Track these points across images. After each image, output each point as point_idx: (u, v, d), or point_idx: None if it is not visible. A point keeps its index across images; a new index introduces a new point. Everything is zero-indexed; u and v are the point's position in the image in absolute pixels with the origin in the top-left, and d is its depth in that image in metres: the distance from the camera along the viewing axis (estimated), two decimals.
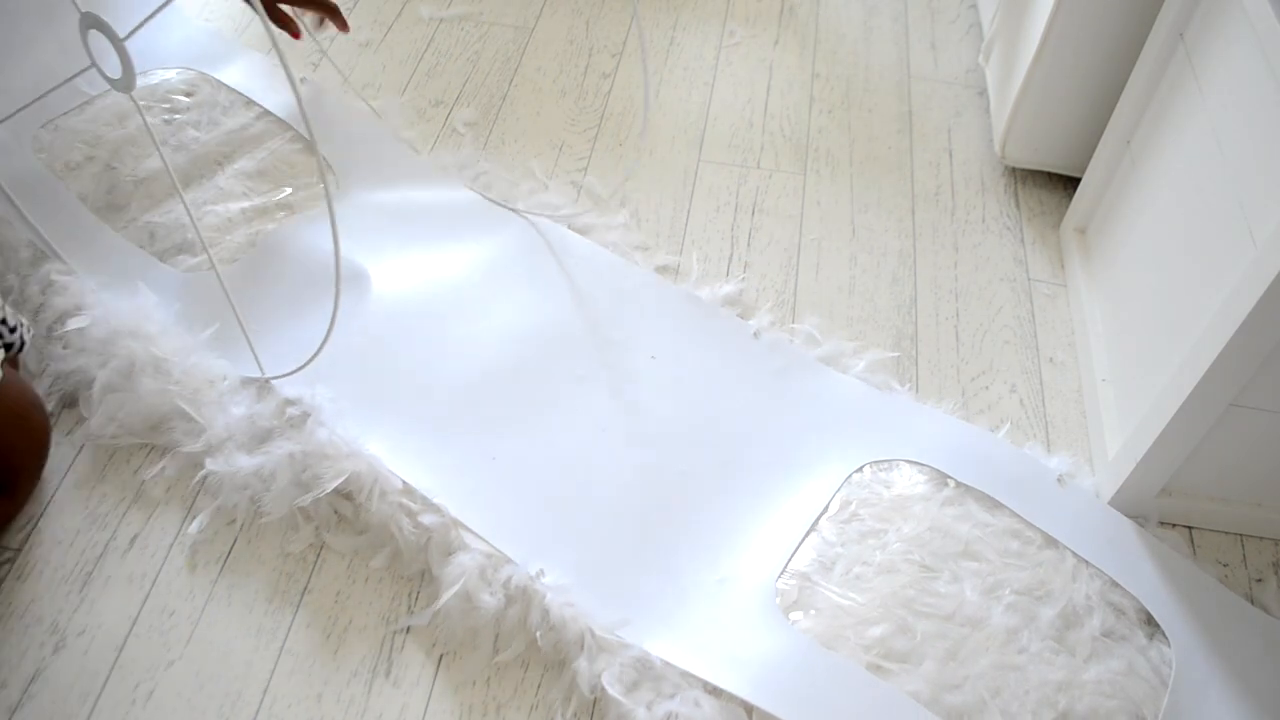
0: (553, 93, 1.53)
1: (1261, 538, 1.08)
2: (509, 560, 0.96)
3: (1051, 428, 1.16)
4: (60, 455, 1.04)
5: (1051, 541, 1.03)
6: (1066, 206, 1.37)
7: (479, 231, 1.30)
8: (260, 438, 1.03)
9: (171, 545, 0.99)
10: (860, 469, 1.08)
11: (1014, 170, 1.46)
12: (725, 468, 1.08)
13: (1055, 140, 1.37)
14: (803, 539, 1.02)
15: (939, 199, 1.42)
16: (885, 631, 0.96)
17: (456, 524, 0.98)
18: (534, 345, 1.17)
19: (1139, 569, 1.02)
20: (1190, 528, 1.08)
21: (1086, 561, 1.02)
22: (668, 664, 0.91)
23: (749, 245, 1.34)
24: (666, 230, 1.34)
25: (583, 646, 0.91)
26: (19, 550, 0.98)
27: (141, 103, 1.16)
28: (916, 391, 1.18)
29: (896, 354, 1.21)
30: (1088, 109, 1.32)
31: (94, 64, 0.93)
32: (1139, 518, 1.07)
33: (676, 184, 1.41)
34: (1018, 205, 1.42)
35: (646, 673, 0.90)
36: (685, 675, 0.90)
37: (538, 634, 0.92)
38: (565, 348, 1.17)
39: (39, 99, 1.19)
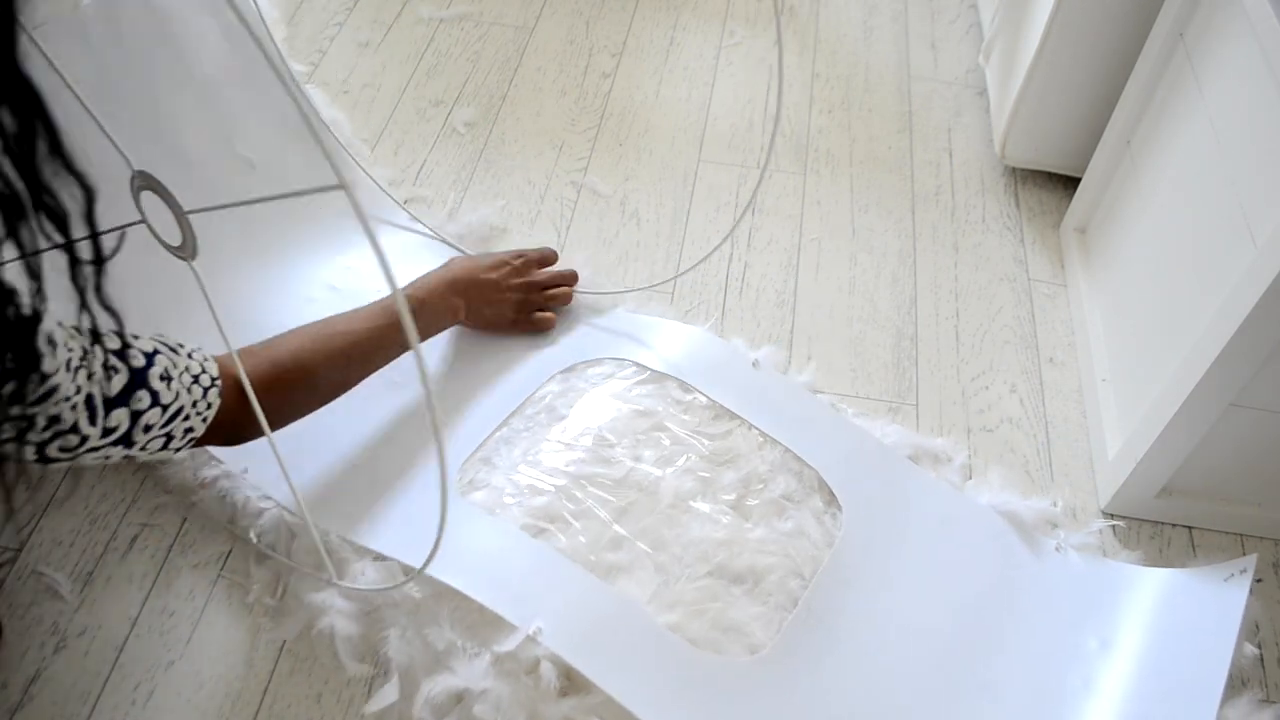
0: (553, 93, 1.54)
1: (1261, 538, 1.08)
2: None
3: (1051, 427, 1.16)
4: None
5: (740, 419, 1.08)
6: (1066, 206, 1.37)
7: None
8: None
9: (171, 545, 0.99)
10: (570, 368, 1.12)
11: (1014, 170, 1.46)
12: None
13: (1055, 140, 1.37)
14: (493, 432, 1.05)
15: (939, 199, 1.42)
16: (550, 499, 0.98)
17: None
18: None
19: (823, 443, 1.07)
20: (1190, 528, 1.08)
21: (773, 439, 1.06)
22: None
23: (749, 245, 1.34)
24: (666, 230, 1.35)
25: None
26: (19, 550, 0.98)
27: None
28: (916, 387, 1.18)
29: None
30: (1088, 109, 1.32)
31: (150, 228, 0.81)
32: (1137, 519, 1.08)
33: (676, 184, 1.41)
34: (1018, 205, 1.42)
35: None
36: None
37: None
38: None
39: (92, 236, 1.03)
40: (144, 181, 0.81)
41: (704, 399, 1.10)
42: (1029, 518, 1.04)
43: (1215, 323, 0.90)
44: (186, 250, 0.81)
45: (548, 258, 1.20)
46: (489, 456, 1.04)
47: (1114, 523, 1.06)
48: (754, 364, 1.14)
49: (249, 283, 1.17)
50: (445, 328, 1.10)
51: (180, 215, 0.78)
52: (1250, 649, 0.94)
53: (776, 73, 1.15)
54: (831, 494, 1.03)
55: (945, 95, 1.59)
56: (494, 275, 1.12)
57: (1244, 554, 1.06)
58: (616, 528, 0.98)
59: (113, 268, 0.63)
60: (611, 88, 1.55)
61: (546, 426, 1.06)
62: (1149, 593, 0.98)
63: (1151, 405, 1.00)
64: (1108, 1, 1.22)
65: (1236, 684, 0.93)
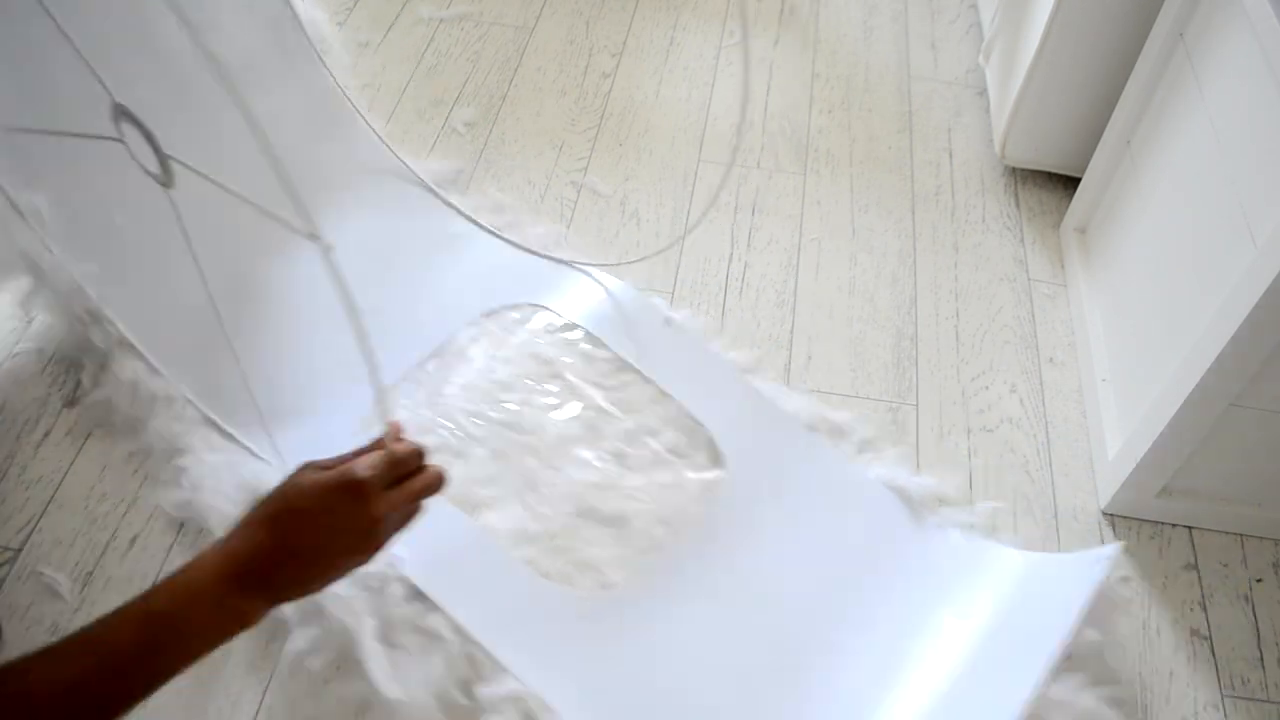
0: (553, 93, 1.54)
1: (1262, 538, 1.08)
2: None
3: (1051, 427, 1.16)
4: (60, 455, 1.04)
5: (642, 375, 1.11)
6: (1066, 206, 1.37)
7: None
8: None
9: (171, 546, 0.99)
10: (493, 312, 1.16)
11: (1014, 170, 1.46)
12: None
13: (1055, 140, 1.37)
14: (407, 373, 1.09)
15: (939, 199, 1.42)
16: (438, 440, 1.03)
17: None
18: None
19: (719, 404, 1.09)
20: (1190, 528, 1.08)
21: (669, 395, 1.09)
22: None
23: (749, 245, 1.34)
24: (666, 230, 1.35)
25: None
26: (19, 550, 0.98)
27: None
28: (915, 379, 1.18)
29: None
30: (1088, 109, 1.32)
31: (130, 151, 0.80)
32: (1137, 519, 1.08)
33: (676, 184, 1.41)
34: (1018, 205, 1.42)
35: None
36: None
37: None
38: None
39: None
40: (123, 113, 0.80)
41: (608, 352, 1.12)
42: (916, 494, 1.06)
43: (1215, 323, 0.90)
44: (164, 179, 0.81)
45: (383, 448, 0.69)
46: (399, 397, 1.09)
47: (996, 504, 1.07)
48: (666, 321, 1.17)
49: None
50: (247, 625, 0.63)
51: (159, 151, 0.79)
52: (1093, 634, 0.92)
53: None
54: (718, 453, 1.05)
55: (945, 95, 1.59)
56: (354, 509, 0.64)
57: (1244, 554, 1.06)
58: (493, 465, 1.01)
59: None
60: (611, 88, 1.55)
61: (454, 368, 1.10)
62: (1012, 573, 0.99)
63: (1151, 405, 1.00)
64: (1108, 1, 1.22)
65: (1076, 666, 0.92)
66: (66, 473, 1.03)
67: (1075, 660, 0.90)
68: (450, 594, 0.91)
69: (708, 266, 1.30)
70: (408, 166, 1.31)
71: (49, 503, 1.01)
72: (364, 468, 0.64)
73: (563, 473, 1.02)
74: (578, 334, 1.14)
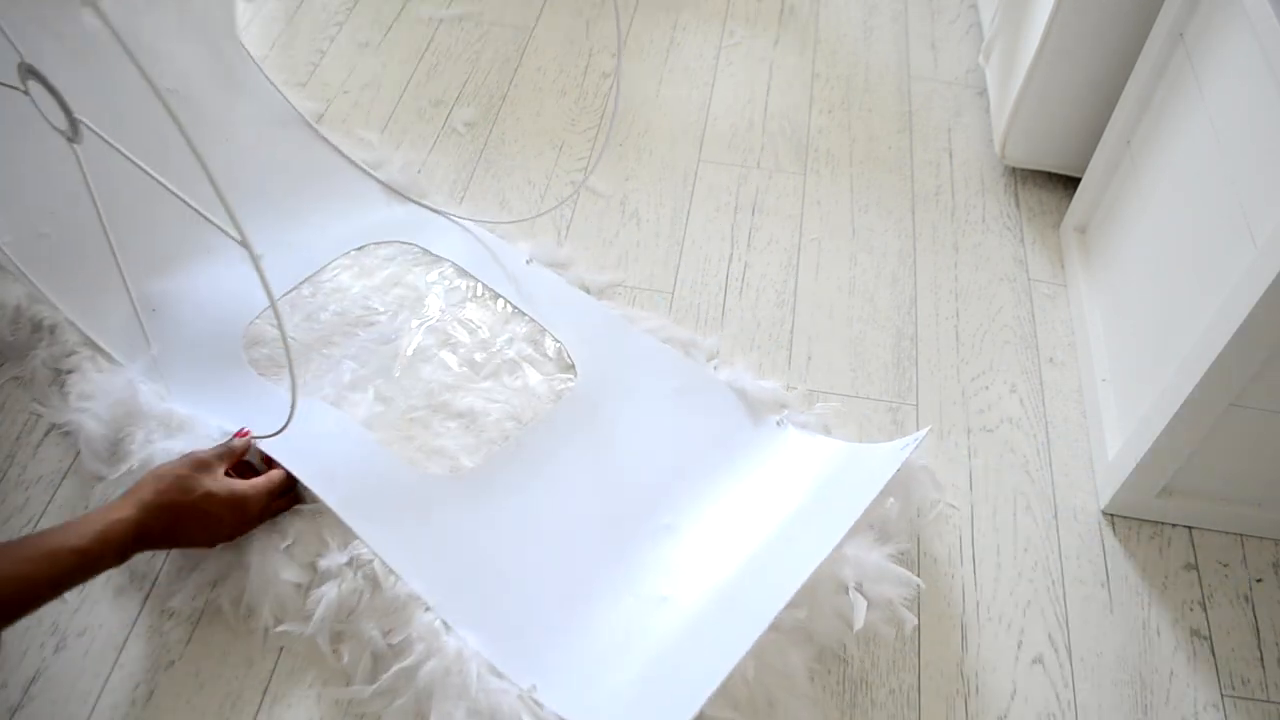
0: (553, 93, 1.54)
1: (1261, 538, 1.08)
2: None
3: (1051, 427, 1.16)
4: (59, 456, 1.04)
5: (499, 295, 1.21)
6: (1066, 206, 1.37)
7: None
8: None
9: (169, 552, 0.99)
10: (361, 247, 1.25)
11: (1014, 170, 1.46)
12: None
13: (1055, 140, 1.37)
14: (283, 295, 1.18)
15: (939, 199, 1.42)
16: (319, 362, 1.11)
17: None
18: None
19: (571, 320, 1.19)
20: (1190, 528, 1.08)
21: (523, 312, 1.19)
22: None
23: (749, 245, 1.34)
24: (666, 230, 1.35)
25: None
26: None
27: None
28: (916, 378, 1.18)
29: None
30: (1088, 109, 1.32)
31: (36, 105, 0.85)
32: (1137, 519, 1.08)
33: (676, 184, 1.41)
34: (1018, 205, 1.42)
35: None
36: None
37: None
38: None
39: None
40: (30, 72, 0.86)
41: (471, 280, 1.22)
42: (760, 396, 1.12)
43: (1215, 323, 0.90)
44: (73, 131, 0.87)
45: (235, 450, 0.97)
46: (270, 318, 1.15)
47: (832, 404, 1.14)
48: (527, 261, 1.25)
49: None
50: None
51: (69, 112, 0.83)
52: (892, 502, 0.99)
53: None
54: (568, 364, 1.13)
55: (945, 95, 1.59)
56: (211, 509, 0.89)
57: (1244, 554, 1.06)
58: (361, 372, 1.10)
59: None
60: (612, 88, 1.55)
61: (329, 295, 1.19)
62: (835, 459, 1.06)
63: (1151, 405, 1.00)
64: (1108, 1, 1.22)
65: (880, 532, 0.99)
66: (66, 474, 1.03)
67: (877, 528, 0.99)
68: (304, 467, 0.97)
69: (708, 266, 1.30)
70: (308, 123, 1.38)
71: (49, 503, 1.01)
72: (253, 491, 0.92)
73: (418, 371, 1.11)
74: (444, 267, 1.24)
